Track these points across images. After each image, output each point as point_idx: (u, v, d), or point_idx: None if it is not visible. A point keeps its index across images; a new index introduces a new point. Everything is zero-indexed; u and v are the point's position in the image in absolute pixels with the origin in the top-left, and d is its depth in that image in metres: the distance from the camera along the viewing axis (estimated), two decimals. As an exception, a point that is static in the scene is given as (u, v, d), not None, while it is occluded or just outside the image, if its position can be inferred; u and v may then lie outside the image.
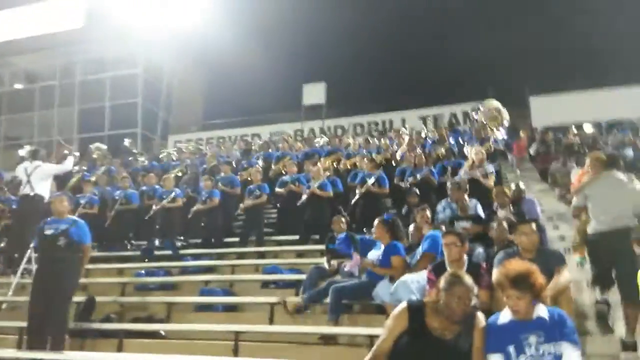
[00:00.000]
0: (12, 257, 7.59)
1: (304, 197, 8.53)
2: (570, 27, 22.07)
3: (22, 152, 15.08)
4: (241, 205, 9.14)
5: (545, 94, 19.17)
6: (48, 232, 5.31)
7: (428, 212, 6.10)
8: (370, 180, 8.35)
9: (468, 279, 2.95)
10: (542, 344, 2.71)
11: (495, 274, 3.73)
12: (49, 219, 5.52)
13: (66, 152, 9.00)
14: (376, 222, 5.46)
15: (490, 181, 7.83)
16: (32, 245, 7.27)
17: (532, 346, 2.71)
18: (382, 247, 5.36)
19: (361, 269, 5.52)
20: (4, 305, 6.95)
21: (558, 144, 13.40)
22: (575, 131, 14.87)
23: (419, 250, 5.12)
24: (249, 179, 10.01)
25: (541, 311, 2.83)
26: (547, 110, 18.62)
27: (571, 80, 18.80)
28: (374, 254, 5.53)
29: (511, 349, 2.73)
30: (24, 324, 5.86)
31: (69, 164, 8.54)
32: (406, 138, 11.44)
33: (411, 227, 5.91)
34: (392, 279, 4.87)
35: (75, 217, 5.59)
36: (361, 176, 8.74)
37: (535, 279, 2.79)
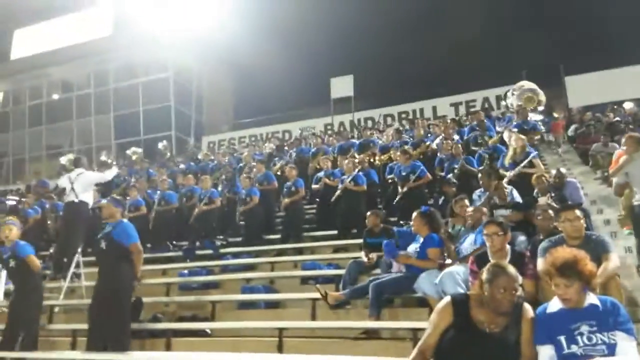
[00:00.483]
0: (61, 262, 7.85)
1: (338, 192, 8.54)
2: (603, 2, 21.28)
3: (63, 160, 15.61)
4: (282, 205, 9.22)
5: (580, 73, 18.55)
6: (98, 236, 5.52)
7: (466, 202, 6.02)
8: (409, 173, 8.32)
9: (512, 269, 2.86)
10: (595, 333, 2.60)
11: (542, 262, 3.66)
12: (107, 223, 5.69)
13: (108, 160, 9.26)
14: (414, 214, 5.42)
15: (539, 168, 7.42)
16: (79, 249, 7.56)
17: (584, 335, 2.61)
18: (421, 239, 5.32)
19: (399, 261, 5.46)
20: (56, 309, 7.23)
21: (598, 123, 12.99)
22: (613, 110, 14.40)
23: (470, 239, 4.99)
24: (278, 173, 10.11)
25: (592, 299, 2.73)
26: (584, 89, 18.05)
27: (607, 58, 18.14)
28: (413, 247, 5.49)
29: (562, 339, 2.63)
30: (77, 326, 6.14)
31: (110, 174, 8.77)
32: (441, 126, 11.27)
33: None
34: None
35: (121, 219, 5.62)
36: (397, 169, 8.68)
37: (584, 265, 2.69)
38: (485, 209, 5.45)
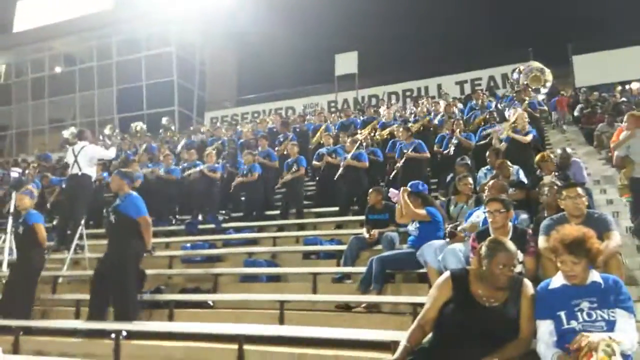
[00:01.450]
0: (64, 234, 7.92)
1: (341, 169, 8.55)
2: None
3: (65, 134, 15.61)
4: (281, 180, 9.21)
5: (588, 52, 18.31)
6: (108, 209, 5.56)
7: (470, 180, 6.02)
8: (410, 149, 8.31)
9: (511, 245, 2.88)
10: (595, 309, 2.62)
11: (543, 240, 3.67)
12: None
13: (113, 134, 9.26)
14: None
15: (528, 138, 7.68)
16: (82, 222, 7.62)
17: (584, 312, 2.63)
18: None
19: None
20: (60, 280, 7.32)
21: (605, 103, 12.89)
22: (619, 90, 14.27)
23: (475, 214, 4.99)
24: (286, 152, 10.07)
25: (595, 277, 2.74)
26: (591, 69, 17.84)
27: (615, 37, 17.85)
28: (413, 226, 5.51)
29: (562, 314, 2.65)
30: (80, 296, 6.23)
31: (112, 152, 8.82)
32: (442, 104, 11.21)
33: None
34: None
35: (129, 192, 5.59)
36: (399, 146, 8.67)
37: (592, 244, 2.70)
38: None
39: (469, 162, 7.43)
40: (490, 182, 5.31)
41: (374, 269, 5.09)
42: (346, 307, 5.13)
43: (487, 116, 9.31)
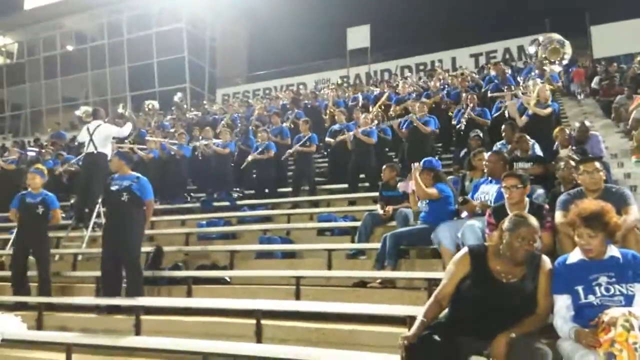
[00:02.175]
0: (82, 212, 8.04)
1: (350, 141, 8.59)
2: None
3: (78, 112, 15.71)
4: (289, 150, 9.19)
5: (606, 22, 17.80)
6: (113, 188, 5.59)
7: (485, 155, 5.96)
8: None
9: (533, 220, 2.87)
10: (613, 284, 2.61)
11: (560, 215, 3.65)
12: (115, 175, 5.78)
13: (125, 113, 9.24)
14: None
15: (547, 110, 7.50)
16: (99, 200, 7.73)
17: (602, 286, 2.62)
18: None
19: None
20: (79, 257, 7.48)
21: (623, 75, 12.61)
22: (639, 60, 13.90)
23: (488, 191, 4.96)
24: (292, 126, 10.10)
25: (614, 251, 2.73)
26: (610, 39, 17.36)
27: (634, 7, 17.30)
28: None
29: (580, 289, 2.65)
30: (99, 273, 6.35)
31: (127, 130, 8.86)
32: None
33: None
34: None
35: (138, 174, 5.77)
36: (408, 122, 8.62)
37: (610, 218, 2.69)
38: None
39: (480, 134, 7.34)
40: (490, 153, 5.21)
41: (387, 245, 5.11)
42: (362, 284, 5.16)
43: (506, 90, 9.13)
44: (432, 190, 5.25)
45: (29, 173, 6.42)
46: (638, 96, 7.29)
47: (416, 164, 5.41)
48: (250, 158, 9.21)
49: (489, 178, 5.01)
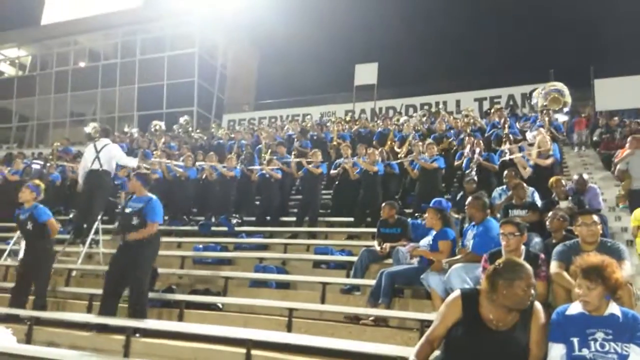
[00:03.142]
0: (81, 227, 8.04)
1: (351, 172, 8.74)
2: (637, 4, 20.68)
3: (88, 129, 15.85)
4: (297, 159, 9.46)
5: (610, 76, 18.10)
6: (127, 210, 5.57)
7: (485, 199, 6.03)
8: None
9: (528, 266, 2.83)
10: (609, 341, 2.62)
11: (558, 266, 3.70)
12: (133, 196, 5.74)
13: (132, 131, 9.20)
14: (429, 208, 5.49)
15: (548, 161, 7.58)
16: (99, 217, 7.75)
17: (597, 342, 2.63)
18: (434, 232, 5.40)
19: (412, 254, 5.58)
20: (74, 273, 7.45)
21: (624, 129, 12.78)
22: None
23: (469, 237, 5.05)
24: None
25: (614, 309, 2.74)
26: (613, 93, 17.60)
27: (638, 63, 17.65)
28: (426, 240, 5.57)
29: (575, 341, 2.67)
30: (93, 290, 6.34)
31: (133, 162, 8.67)
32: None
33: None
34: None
35: (152, 196, 5.65)
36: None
37: (611, 272, 2.71)
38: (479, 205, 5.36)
39: (475, 179, 7.44)
40: (469, 199, 5.26)
41: (383, 283, 5.13)
42: (355, 319, 5.16)
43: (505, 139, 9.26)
44: (441, 256, 5.14)
45: (23, 186, 6.35)
46: (623, 148, 7.76)
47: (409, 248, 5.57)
48: (272, 166, 9.40)
49: (472, 223, 5.09)
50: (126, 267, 5.36)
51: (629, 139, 7.81)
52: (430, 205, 5.62)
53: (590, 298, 2.71)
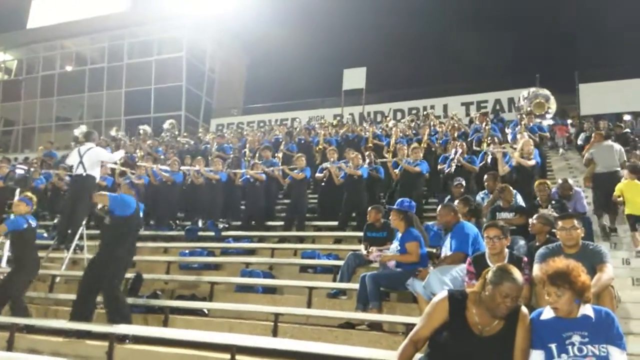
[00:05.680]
0: (65, 233, 7.95)
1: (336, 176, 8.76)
2: (622, 11, 21.02)
3: (76, 132, 15.69)
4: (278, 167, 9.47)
5: (595, 81, 18.36)
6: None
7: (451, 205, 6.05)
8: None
9: (518, 275, 2.80)
10: (586, 344, 2.61)
11: (538, 269, 3.70)
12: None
13: (118, 135, 9.21)
14: (392, 210, 5.60)
15: (531, 162, 7.74)
16: (83, 222, 7.66)
17: (575, 346, 2.62)
18: (399, 235, 5.49)
19: (382, 261, 5.57)
20: (57, 279, 7.35)
21: (610, 131, 12.94)
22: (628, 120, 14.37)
23: (446, 245, 5.08)
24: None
25: (587, 310, 2.73)
26: (597, 98, 17.86)
27: (622, 68, 17.95)
28: (395, 245, 5.60)
29: (553, 346, 2.64)
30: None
31: (117, 156, 8.86)
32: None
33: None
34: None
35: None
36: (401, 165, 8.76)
37: (576, 276, 2.68)
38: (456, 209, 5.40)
39: (463, 182, 7.47)
40: (438, 210, 5.29)
41: (368, 287, 5.11)
42: (349, 325, 5.11)
43: (489, 141, 9.35)
44: (412, 257, 5.28)
45: (16, 200, 6.37)
46: (593, 140, 8.96)
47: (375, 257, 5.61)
48: (253, 171, 9.43)
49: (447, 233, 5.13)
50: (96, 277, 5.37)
51: (593, 134, 9.38)
52: (394, 206, 5.67)
53: (559, 305, 2.69)
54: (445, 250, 4.98)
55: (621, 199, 6.84)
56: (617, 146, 8.35)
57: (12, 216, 6.22)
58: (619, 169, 7.81)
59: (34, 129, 28.49)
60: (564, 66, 19.71)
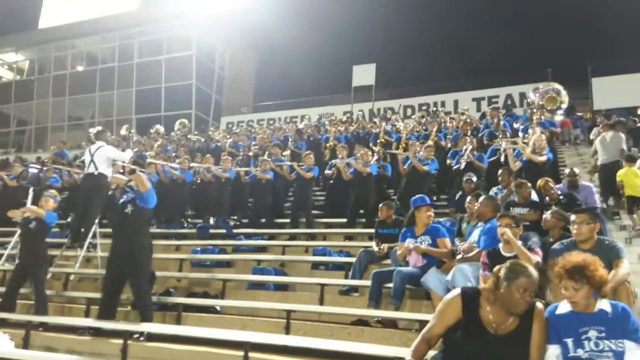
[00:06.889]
0: (78, 231, 8.01)
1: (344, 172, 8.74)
2: (636, 3, 20.71)
3: (92, 131, 15.84)
4: (286, 163, 9.51)
5: (608, 75, 18.15)
6: (121, 201, 5.56)
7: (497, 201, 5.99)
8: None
9: (533, 270, 2.77)
10: (603, 339, 2.59)
11: (555, 265, 3.67)
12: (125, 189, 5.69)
13: (129, 133, 9.25)
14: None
15: (542, 158, 7.54)
16: (96, 220, 7.73)
17: (591, 341, 2.59)
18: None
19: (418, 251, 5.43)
20: (71, 277, 7.43)
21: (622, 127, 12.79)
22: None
23: (474, 236, 5.03)
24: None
25: (604, 304, 2.70)
26: (610, 92, 17.65)
27: (636, 62, 17.69)
28: (411, 241, 5.50)
29: (569, 341, 2.62)
30: (91, 294, 6.33)
31: (127, 155, 8.68)
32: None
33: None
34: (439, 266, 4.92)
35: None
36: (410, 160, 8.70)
37: (594, 270, 2.66)
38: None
39: (474, 178, 7.40)
40: (482, 198, 5.24)
41: (395, 284, 5.02)
42: (362, 322, 5.08)
43: (502, 136, 9.25)
44: (447, 252, 5.13)
45: (43, 196, 6.43)
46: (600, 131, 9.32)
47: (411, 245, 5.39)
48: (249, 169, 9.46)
49: (477, 222, 5.08)
50: (124, 271, 5.34)
51: (601, 126, 9.69)
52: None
53: (577, 299, 2.67)
54: (472, 242, 4.91)
55: (622, 184, 7.52)
56: (620, 135, 8.66)
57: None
58: (619, 158, 8.14)
59: (46, 129, 28.79)
60: (577, 60, 19.43)
